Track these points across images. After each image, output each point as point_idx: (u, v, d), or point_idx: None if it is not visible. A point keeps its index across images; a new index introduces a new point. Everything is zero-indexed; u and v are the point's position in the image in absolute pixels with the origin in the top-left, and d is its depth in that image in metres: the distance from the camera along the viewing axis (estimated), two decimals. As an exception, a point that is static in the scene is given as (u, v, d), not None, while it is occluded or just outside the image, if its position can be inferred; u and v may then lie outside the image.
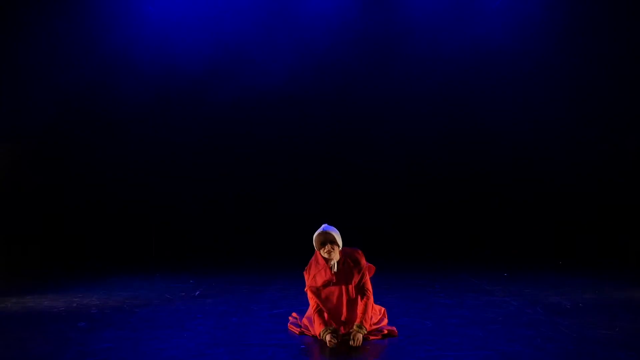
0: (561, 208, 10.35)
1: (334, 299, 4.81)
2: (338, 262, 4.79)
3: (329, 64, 10.52)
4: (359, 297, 4.82)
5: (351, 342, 4.58)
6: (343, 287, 4.79)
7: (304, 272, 4.92)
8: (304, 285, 4.90)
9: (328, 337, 4.58)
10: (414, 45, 10.46)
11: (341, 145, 10.77)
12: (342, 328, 4.75)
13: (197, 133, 10.62)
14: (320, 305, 4.80)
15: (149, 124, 10.43)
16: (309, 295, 4.87)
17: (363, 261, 4.89)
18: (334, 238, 4.75)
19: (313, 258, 4.89)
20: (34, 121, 9.91)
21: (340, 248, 4.81)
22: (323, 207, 10.14)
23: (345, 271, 4.79)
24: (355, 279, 4.79)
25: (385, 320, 5.06)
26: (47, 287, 7.32)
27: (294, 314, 5.41)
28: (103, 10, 10.09)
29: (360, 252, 4.93)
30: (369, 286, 4.86)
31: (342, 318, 4.79)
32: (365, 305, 4.76)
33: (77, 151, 10.35)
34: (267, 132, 10.62)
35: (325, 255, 4.75)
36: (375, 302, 5.07)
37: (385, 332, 4.86)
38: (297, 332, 4.95)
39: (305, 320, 5.03)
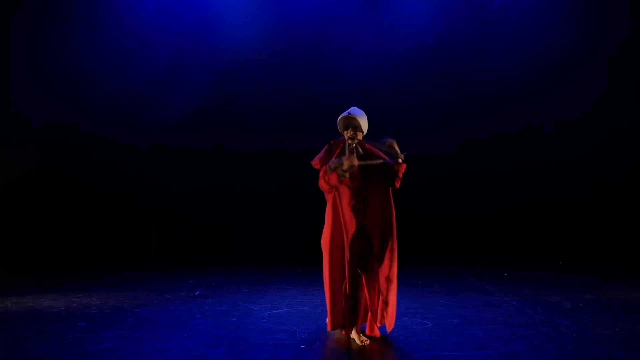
0: (562, 208, 10.35)
1: (354, 195, 4.60)
2: (358, 147, 4.47)
3: (328, 63, 10.51)
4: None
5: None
6: (362, 184, 4.56)
7: (322, 151, 4.57)
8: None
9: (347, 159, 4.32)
10: (424, 46, 10.44)
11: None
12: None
13: (199, 132, 10.61)
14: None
15: (149, 124, 10.41)
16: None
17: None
18: (359, 124, 4.48)
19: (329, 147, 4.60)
20: (34, 123, 9.90)
21: (364, 134, 4.50)
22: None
23: (366, 157, 4.49)
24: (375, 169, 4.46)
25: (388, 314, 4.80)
26: (47, 287, 7.31)
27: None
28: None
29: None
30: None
31: (364, 217, 4.64)
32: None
33: (77, 151, 10.33)
34: (268, 132, 10.59)
35: (348, 140, 4.49)
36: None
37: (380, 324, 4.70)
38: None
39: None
